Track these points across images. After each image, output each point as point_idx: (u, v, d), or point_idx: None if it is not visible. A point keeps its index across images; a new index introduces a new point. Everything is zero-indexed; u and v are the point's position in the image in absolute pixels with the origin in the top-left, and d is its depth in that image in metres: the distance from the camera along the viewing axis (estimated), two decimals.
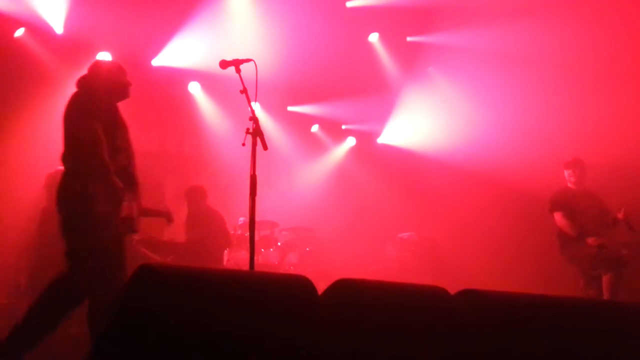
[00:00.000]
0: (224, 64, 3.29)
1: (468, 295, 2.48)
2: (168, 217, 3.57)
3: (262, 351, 1.81)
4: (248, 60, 3.25)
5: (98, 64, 3.38)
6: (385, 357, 2.07)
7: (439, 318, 2.30)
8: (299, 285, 2.11)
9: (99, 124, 2.98)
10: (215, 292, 1.88)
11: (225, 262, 6.56)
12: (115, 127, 3.08)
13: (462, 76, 8.25)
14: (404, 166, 9.05)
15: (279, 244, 7.32)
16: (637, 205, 6.05)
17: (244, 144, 2.99)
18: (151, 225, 5.45)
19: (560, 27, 6.95)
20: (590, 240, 5.04)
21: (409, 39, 8.46)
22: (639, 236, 5.23)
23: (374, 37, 8.45)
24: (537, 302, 2.70)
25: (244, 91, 3.07)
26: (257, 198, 8.02)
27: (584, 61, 6.93)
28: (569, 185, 5.46)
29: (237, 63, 3.25)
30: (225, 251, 6.60)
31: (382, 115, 9.28)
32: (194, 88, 8.10)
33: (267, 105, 8.37)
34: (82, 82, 3.22)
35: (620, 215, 5.11)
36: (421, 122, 8.97)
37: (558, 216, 5.29)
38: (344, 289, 2.28)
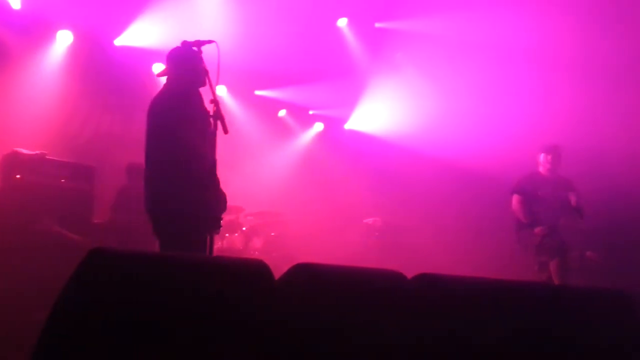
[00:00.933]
0: (185, 45, 3.23)
1: (424, 278, 2.52)
2: None
3: (213, 336, 1.81)
4: (210, 42, 3.20)
5: None
6: (339, 340, 2.10)
7: (394, 301, 2.33)
8: (254, 269, 2.11)
9: None
10: (165, 276, 1.86)
11: None
12: None
13: (430, 63, 8.31)
14: (370, 152, 9.10)
15: (243, 228, 7.29)
16: (604, 194, 6.27)
17: None
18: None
19: (530, 15, 7.05)
20: (538, 229, 5.23)
21: (377, 24, 8.46)
22: (585, 224, 5.40)
23: (342, 22, 8.41)
24: (491, 286, 2.77)
25: (206, 73, 3.02)
26: (222, 183, 7.94)
27: (552, 50, 7.05)
28: (541, 170, 5.52)
29: (199, 44, 3.19)
30: None
31: (350, 101, 9.28)
32: (159, 69, 7.93)
33: (234, 88, 8.27)
34: None
35: (572, 202, 5.26)
36: (388, 108, 9.01)
37: (515, 199, 5.43)
38: (301, 272, 2.29)
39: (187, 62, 3.11)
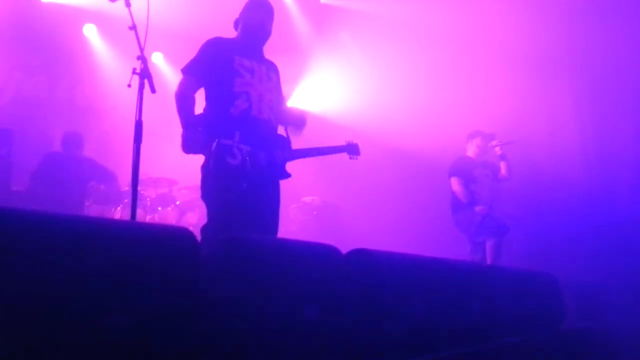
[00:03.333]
0: None
1: (358, 254, 2.46)
2: None
3: (125, 304, 1.65)
4: None
5: None
6: (268, 312, 1.99)
7: (327, 274, 2.25)
8: (177, 237, 1.95)
9: None
10: (75, 239, 1.67)
11: None
12: None
13: (374, 44, 8.26)
14: (311, 131, 8.99)
15: (177, 202, 7.03)
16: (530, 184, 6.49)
17: (129, 85, 2.73)
18: None
19: (477, 5, 7.11)
20: (478, 208, 5.35)
21: (322, 1, 8.30)
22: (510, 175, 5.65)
23: None
24: (423, 263, 2.75)
25: (133, 27, 2.79)
26: (156, 154, 7.61)
27: (493, 42, 7.16)
28: (469, 154, 5.71)
29: None
30: (118, 209, 6.21)
31: (292, 78, 9.10)
32: (90, 31, 7.45)
33: (170, 54, 7.90)
34: None
35: (502, 169, 5.53)
36: (331, 87, 8.92)
37: (454, 181, 5.53)
38: (232, 245, 2.16)
39: None
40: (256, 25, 3.40)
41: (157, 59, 7.88)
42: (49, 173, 5.49)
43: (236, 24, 3.51)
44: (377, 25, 7.97)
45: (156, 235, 1.90)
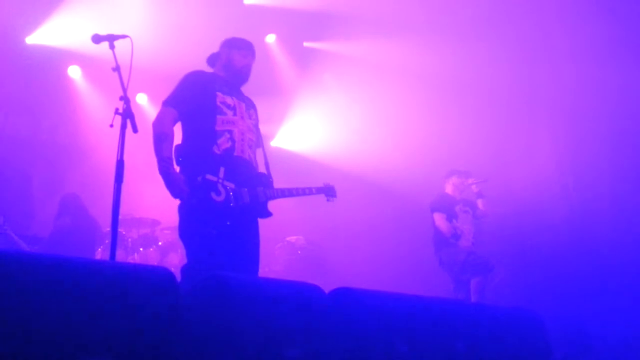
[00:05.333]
0: (96, 39, 3.01)
1: (341, 293, 2.44)
2: None
3: (104, 344, 1.61)
4: (124, 37, 3.00)
5: None
6: (248, 353, 1.95)
7: (309, 314, 2.22)
8: (156, 276, 1.92)
9: None
10: (53, 279, 1.64)
11: None
12: None
13: (357, 86, 8.42)
14: (296, 170, 9.02)
15: (159, 243, 6.94)
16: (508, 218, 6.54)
17: (112, 125, 2.74)
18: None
19: (451, 46, 7.31)
20: (461, 244, 5.37)
21: (305, 44, 8.48)
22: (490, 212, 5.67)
23: (270, 39, 8.36)
24: (407, 302, 2.72)
25: (117, 69, 2.82)
26: (138, 194, 7.51)
27: (473, 80, 7.34)
28: (448, 191, 5.78)
29: (111, 38, 2.99)
30: (99, 250, 6.11)
31: (276, 119, 9.20)
32: (74, 72, 7.49)
33: (155, 96, 7.94)
34: None
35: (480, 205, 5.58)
36: (315, 127, 9.02)
37: (437, 217, 5.55)
38: (212, 284, 2.14)
39: None
40: (242, 66, 3.44)
41: (142, 100, 7.92)
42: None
43: (213, 60, 3.51)
44: (359, 67, 8.15)
45: (135, 275, 1.88)
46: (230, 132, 3.20)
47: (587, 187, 6.67)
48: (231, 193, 3.09)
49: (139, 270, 1.94)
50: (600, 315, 5.31)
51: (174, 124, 3.19)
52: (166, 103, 3.19)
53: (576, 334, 4.87)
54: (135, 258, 6.50)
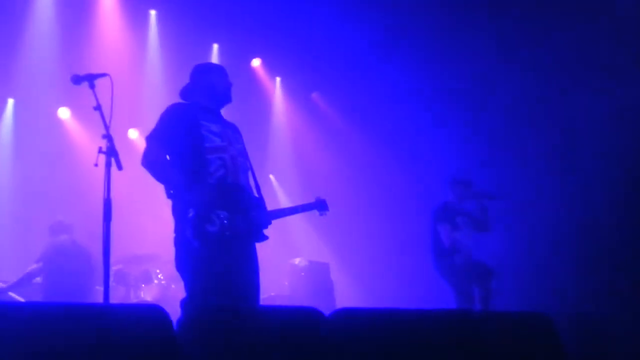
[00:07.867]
0: (76, 79, 3.00)
1: (341, 314, 2.40)
2: None
3: None
4: (103, 75, 2.99)
5: None
6: None
7: (308, 339, 2.18)
8: (150, 315, 1.89)
9: None
10: (48, 325, 1.61)
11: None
12: None
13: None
14: (294, 192, 9.02)
15: (160, 276, 6.85)
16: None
17: (96, 165, 2.71)
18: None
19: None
20: (461, 254, 5.32)
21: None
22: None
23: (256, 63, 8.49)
24: (411, 317, 2.68)
25: (98, 107, 2.81)
26: (139, 229, 7.46)
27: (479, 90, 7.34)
28: (450, 201, 5.71)
29: (91, 78, 2.98)
30: (97, 288, 6.04)
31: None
32: (64, 114, 7.53)
33: (147, 130, 7.96)
34: None
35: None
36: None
37: (441, 228, 5.51)
38: (209, 318, 2.10)
39: None
40: (223, 90, 3.40)
41: (133, 135, 7.92)
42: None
43: (187, 91, 3.46)
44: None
45: (128, 316, 1.85)
46: (221, 159, 3.15)
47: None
48: (225, 221, 3.03)
49: (132, 311, 1.91)
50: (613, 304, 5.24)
51: (163, 156, 3.13)
52: (150, 138, 3.13)
53: (589, 328, 4.79)
54: (139, 294, 6.44)
